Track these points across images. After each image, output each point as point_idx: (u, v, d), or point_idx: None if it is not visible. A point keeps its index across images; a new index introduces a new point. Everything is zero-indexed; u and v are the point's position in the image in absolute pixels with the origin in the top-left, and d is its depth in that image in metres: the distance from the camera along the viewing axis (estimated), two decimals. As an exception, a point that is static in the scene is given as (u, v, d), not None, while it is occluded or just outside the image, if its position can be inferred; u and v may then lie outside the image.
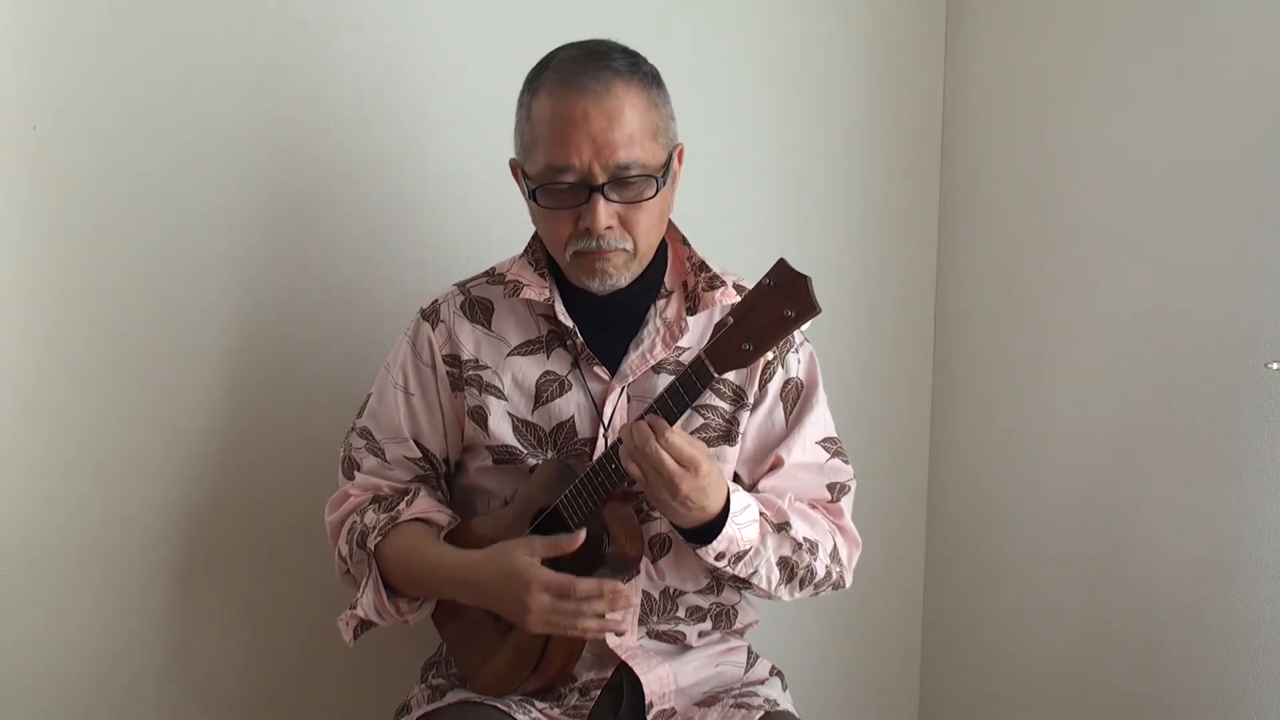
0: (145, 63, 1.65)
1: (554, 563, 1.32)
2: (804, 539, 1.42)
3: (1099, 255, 1.80)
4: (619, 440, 1.29)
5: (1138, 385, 1.74)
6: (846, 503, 1.51)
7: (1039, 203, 1.91)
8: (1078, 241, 1.84)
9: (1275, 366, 1.51)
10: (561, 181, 1.34)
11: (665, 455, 1.25)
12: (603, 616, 1.30)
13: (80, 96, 1.62)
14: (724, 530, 1.33)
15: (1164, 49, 1.69)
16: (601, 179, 1.33)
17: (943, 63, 2.08)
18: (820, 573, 1.44)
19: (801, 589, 1.44)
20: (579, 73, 1.33)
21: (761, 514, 1.39)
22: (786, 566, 1.41)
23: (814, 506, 1.49)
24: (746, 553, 1.37)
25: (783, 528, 1.40)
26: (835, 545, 1.47)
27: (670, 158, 1.40)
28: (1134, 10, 1.73)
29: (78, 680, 1.70)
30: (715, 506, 1.31)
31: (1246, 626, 1.59)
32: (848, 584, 1.51)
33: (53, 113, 1.61)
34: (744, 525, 1.35)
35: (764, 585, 1.41)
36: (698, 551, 1.35)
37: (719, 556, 1.35)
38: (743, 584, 1.43)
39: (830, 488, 1.50)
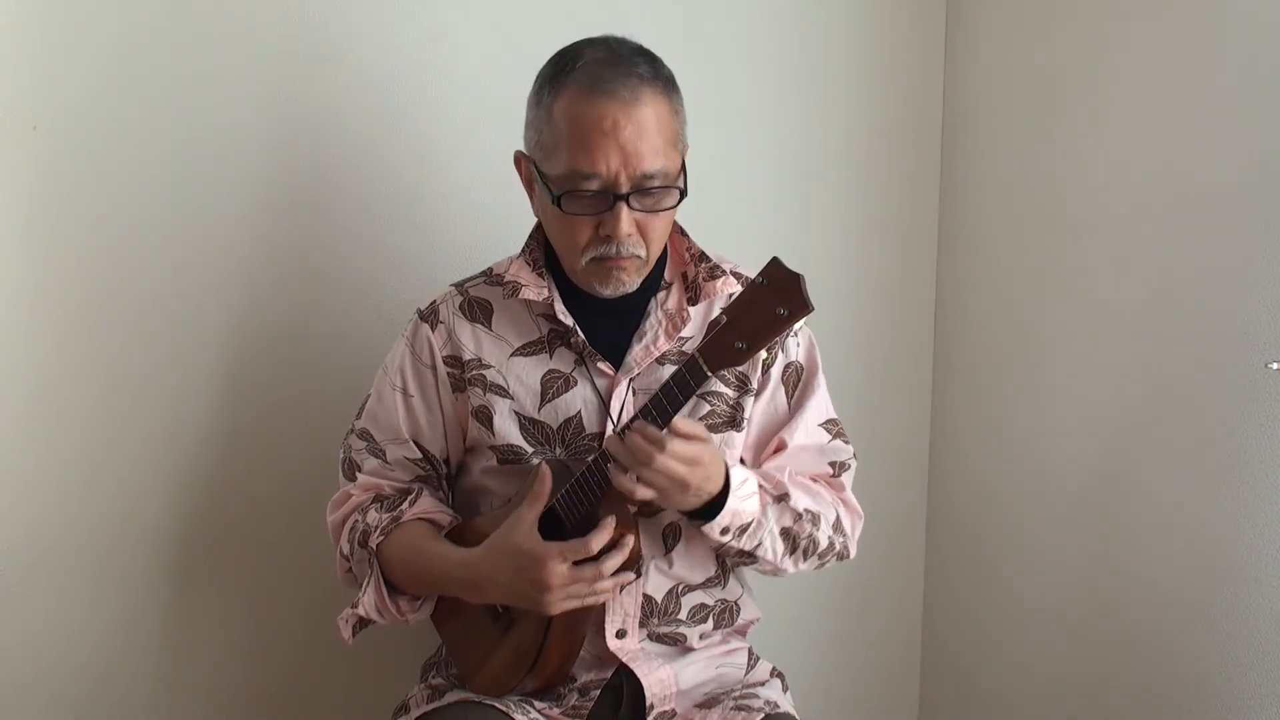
0: (147, 62, 1.65)
1: None
2: (805, 510, 1.43)
3: (1099, 255, 1.80)
4: (603, 451, 1.30)
5: (1138, 384, 1.74)
6: (848, 478, 1.53)
7: (1039, 202, 1.91)
8: (1077, 241, 1.84)
9: (1275, 366, 1.51)
10: (585, 189, 1.34)
11: (673, 463, 1.26)
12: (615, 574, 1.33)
13: (80, 96, 1.62)
14: (726, 505, 1.34)
15: (1164, 49, 1.69)
16: (626, 188, 1.33)
17: (943, 63, 2.08)
18: (823, 543, 1.45)
19: (805, 559, 1.45)
20: (609, 78, 1.32)
21: (761, 486, 1.41)
22: (789, 537, 1.42)
23: (815, 480, 1.50)
24: (749, 525, 1.38)
25: (782, 499, 1.42)
26: (838, 516, 1.48)
27: (683, 163, 1.41)
28: (1134, 10, 1.73)
29: (77, 680, 1.70)
30: (717, 485, 1.33)
31: (1246, 625, 1.59)
32: (852, 554, 1.52)
33: (53, 113, 1.61)
34: (745, 498, 1.36)
35: (769, 557, 1.42)
36: (702, 529, 1.36)
37: (724, 531, 1.37)
38: (749, 558, 1.44)
39: (832, 465, 1.51)
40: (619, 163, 1.32)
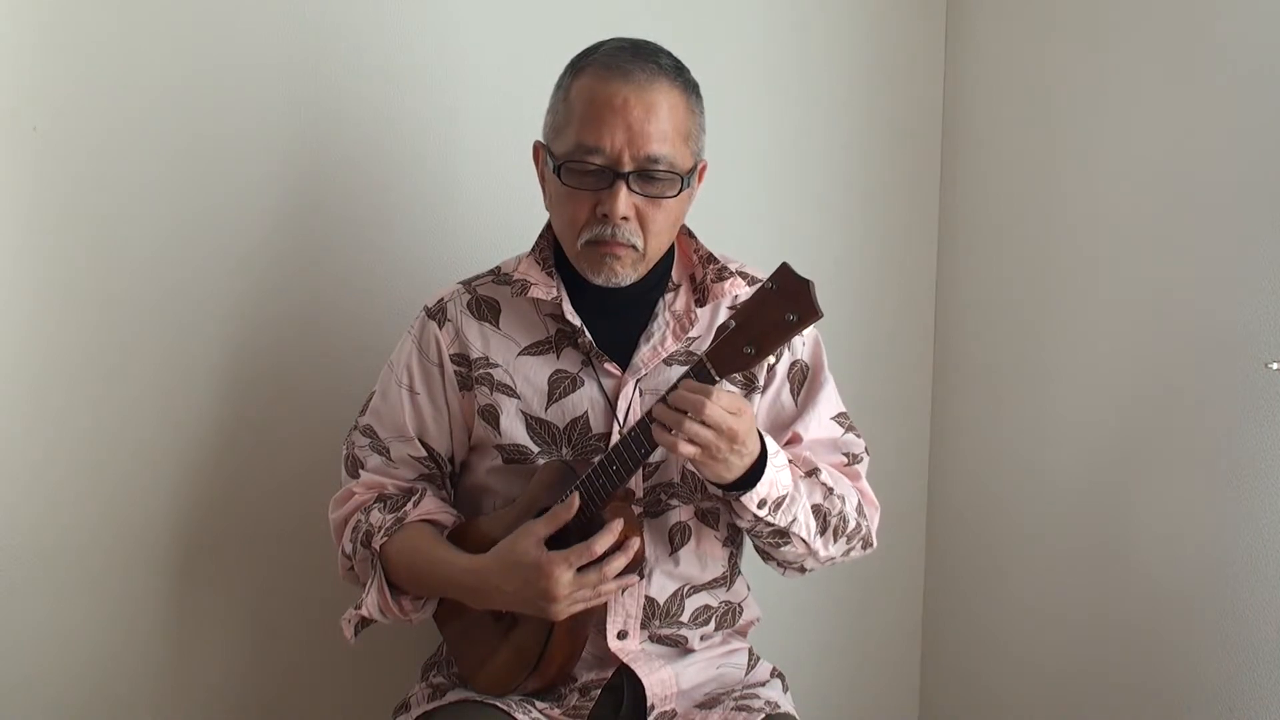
0: (147, 62, 1.65)
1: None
2: (832, 487, 1.43)
3: (1099, 255, 1.80)
4: (637, 427, 1.30)
5: (1137, 384, 1.74)
6: (862, 468, 1.53)
7: (1039, 202, 1.91)
8: (1077, 241, 1.84)
9: (1275, 366, 1.51)
10: (589, 162, 1.35)
11: (720, 412, 1.25)
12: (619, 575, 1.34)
13: (80, 96, 1.62)
14: (764, 474, 1.33)
15: (1164, 49, 1.69)
16: (629, 167, 1.34)
17: (943, 63, 2.08)
18: (851, 522, 1.45)
19: (836, 540, 1.44)
20: (627, 61, 1.35)
21: (790, 460, 1.40)
22: (820, 514, 1.41)
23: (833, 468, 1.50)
24: (784, 498, 1.37)
25: (812, 473, 1.42)
26: (859, 501, 1.48)
27: (694, 168, 1.41)
28: (1134, 10, 1.73)
29: (78, 680, 1.70)
30: (755, 450, 1.32)
31: (1246, 625, 1.59)
32: (875, 544, 1.51)
33: (53, 113, 1.61)
34: (779, 468, 1.36)
35: (803, 534, 1.40)
36: (741, 500, 1.34)
37: (761, 504, 1.35)
38: (782, 539, 1.41)
39: (846, 456, 1.51)
40: (624, 140, 1.33)
